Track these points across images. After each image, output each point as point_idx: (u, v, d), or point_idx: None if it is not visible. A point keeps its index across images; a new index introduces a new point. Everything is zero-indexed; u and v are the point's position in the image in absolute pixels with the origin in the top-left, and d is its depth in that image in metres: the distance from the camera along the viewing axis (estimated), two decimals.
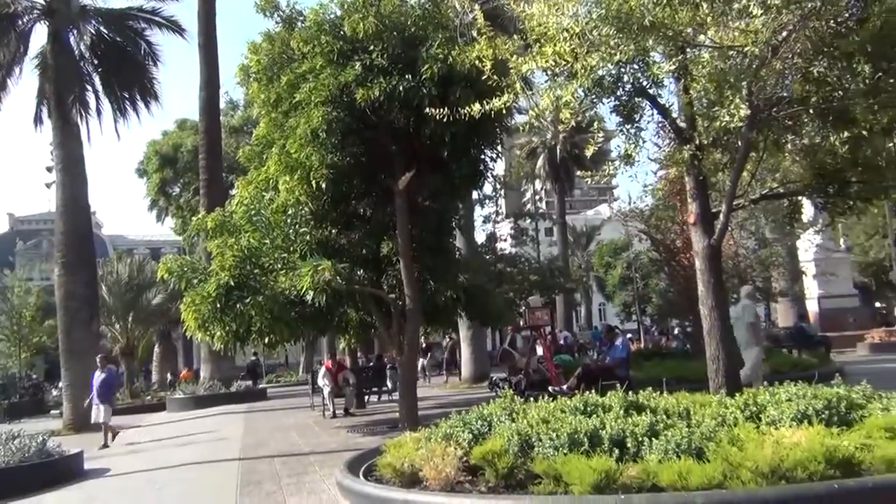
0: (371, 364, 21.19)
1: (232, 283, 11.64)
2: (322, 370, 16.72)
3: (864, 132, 7.99)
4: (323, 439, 11.58)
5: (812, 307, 28.35)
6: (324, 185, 11.18)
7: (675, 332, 27.16)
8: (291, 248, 12.49)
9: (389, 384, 17.88)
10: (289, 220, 12.69)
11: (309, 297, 10.90)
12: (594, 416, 6.30)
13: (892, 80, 7.25)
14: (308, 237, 12.51)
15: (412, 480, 6.22)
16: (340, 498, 6.67)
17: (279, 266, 12.24)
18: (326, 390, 15.85)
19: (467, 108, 8.18)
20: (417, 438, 6.99)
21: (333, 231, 12.90)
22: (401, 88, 10.62)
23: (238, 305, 11.55)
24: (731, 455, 5.02)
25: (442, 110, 8.77)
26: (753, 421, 6.03)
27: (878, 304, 45.02)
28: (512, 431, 6.06)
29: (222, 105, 31.35)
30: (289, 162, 11.27)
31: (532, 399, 7.78)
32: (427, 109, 9.35)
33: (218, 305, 11.64)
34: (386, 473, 6.54)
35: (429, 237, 13.01)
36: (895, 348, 23.19)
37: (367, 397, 17.84)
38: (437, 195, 12.82)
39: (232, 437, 13.19)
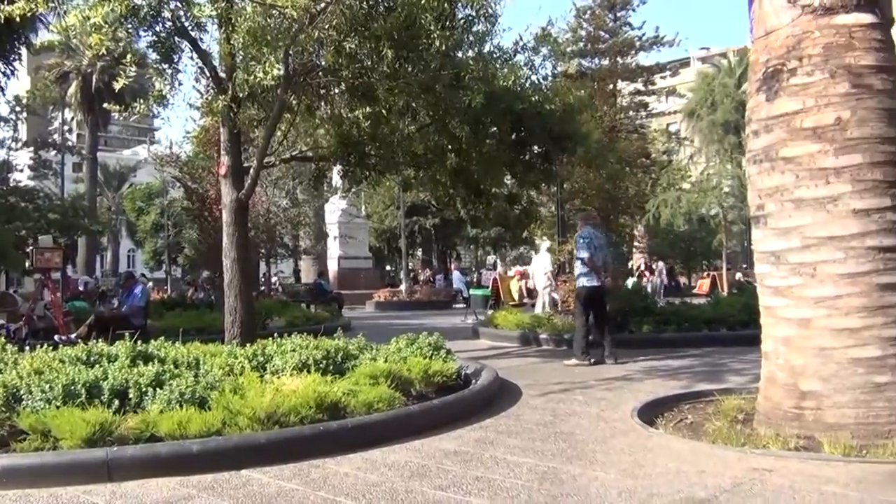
0: None
1: None
2: None
3: (385, 111, 8.86)
4: None
5: (332, 266, 30.65)
6: None
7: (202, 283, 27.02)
8: None
9: None
10: None
11: None
12: (97, 366, 5.93)
13: (410, 68, 8.12)
14: None
15: None
16: None
17: None
18: None
19: None
20: None
21: None
22: None
23: None
24: (232, 403, 5.17)
25: None
26: (259, 370, 6.31)
27: (388, 267, 50.80)
28: None
29: None
30: None
31: (30, 348, 7.02)
32: None
33: None
34: None
35: None
36: (396, 306, 26.41)
37: None
38: None
39: None
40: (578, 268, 9.67)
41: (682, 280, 37.34)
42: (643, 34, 31.19)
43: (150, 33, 7.79)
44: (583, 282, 9.56)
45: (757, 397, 5.49)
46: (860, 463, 4.44)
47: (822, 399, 4.88)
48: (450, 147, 9.84)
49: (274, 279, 29.48)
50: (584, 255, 9.46)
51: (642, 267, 29.93)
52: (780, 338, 5.20)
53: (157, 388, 5.42)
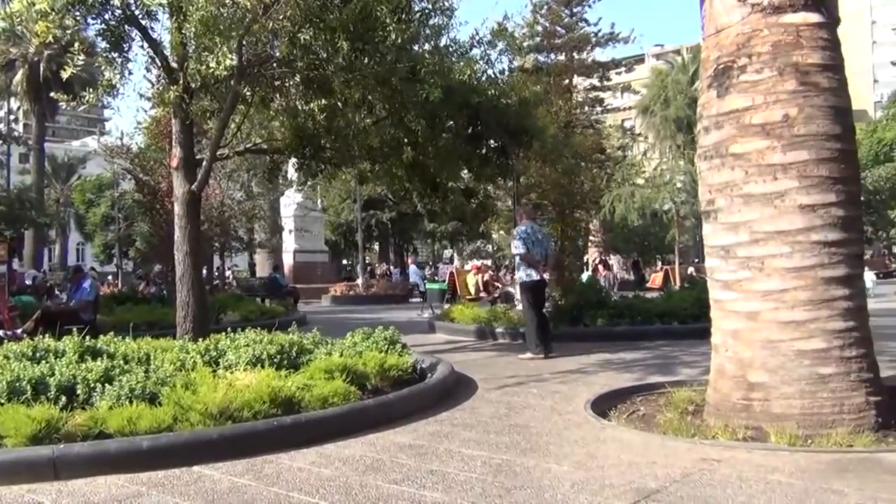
0: None
1: None
2: None
3: (340, 104, 8.79)
4: None
5: (287, 260, 30.37)
6: None
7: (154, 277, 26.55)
8: None
9: None
10: None
11: None
12: (44, 362, 5.79)
13: (365, 60, 8.06)
14: None
15: None
16: None
17: None
18: None
19: None
20: None
21: None
22: None
23: None
24: (184, 398, 5.09)
25: None
26: (212, 365, 6.22)
27: (344, 261, 50.57)
28: None
29: None
30: None
31: None
32: None
33: None
34: None
35: None
36: (352, 300, 26.30)
37: None
38: None
39: None
40: (518, 262, 9.81)
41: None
42: (599, 30, 31.51)
43: (99, 21, 7.63)
44: (523, 276, 9.66)
45: (707, 389, 5.58)
46: (805, 452, 4.55)
47: (770, 390, 4.98)
48: (406, 140, 9.81)
49: (228, 273, 29.13)
50: (521, 251, 9.56)
51: (596, 261, 30.25)
52: (729, 331, 5.30)
53: (107, 384, 5.31)
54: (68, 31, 7.70)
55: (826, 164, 4.98)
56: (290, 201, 31.08)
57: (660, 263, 39.37)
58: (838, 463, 4.34)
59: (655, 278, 31.43)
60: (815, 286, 4.92)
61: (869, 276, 21.54)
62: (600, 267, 29.13)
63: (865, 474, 4.09)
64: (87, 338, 6.61)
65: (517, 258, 9.81)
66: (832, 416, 4.80)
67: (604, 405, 6.07)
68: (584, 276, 14.72)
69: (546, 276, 9.99)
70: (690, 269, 29.59)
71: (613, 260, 31.46)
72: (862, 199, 5.73)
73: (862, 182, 8.27)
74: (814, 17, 5.11)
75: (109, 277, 39.14)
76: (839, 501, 3.69)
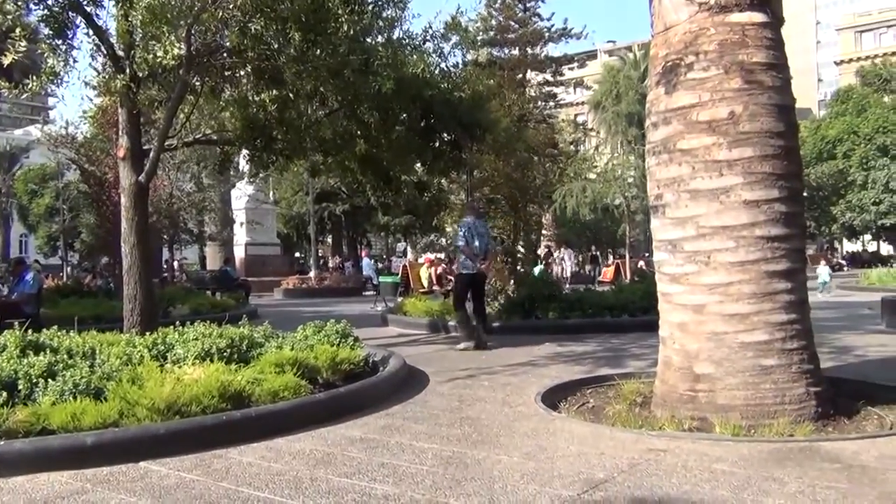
0: None
1: None
2: None
3: (292, 95, 8.70)
4: None
5: (239, 253, 29.99)
6: None
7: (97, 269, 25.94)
8: None
9: None
10: None
11: None
12: None
13: (318, 52, 7.99)
14: None
15: None
16: None
17: None
18: None
19: None
20: None
21: None
22: None
23: None
24: (130, 393, 5.00)
25: None
26: (159, 360, 6.12)
27: (297, 254, 50.11)
28: None
29: None
30: None
31: None
32: None
33: None
34: None
35: None
36: (305, 294, 26.11)
37: None
38: None
39: None
40: (459, 255, 10.12)
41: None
42: (552, 26, 31.76)
43: (42, 7, 7.42)
44: (461, 269, 10.07)
45: (655, 381, 5.68)
46: (748, 442, 4.67)
47: (715, 382, 5.10)
48: (359, 133, 9.75)
49: (175, 265, 28.65)
50: (461, 243, 9.85)
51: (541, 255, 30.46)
52: (675, 323, 5.40)
53: (50, 380, 5.19)
54: (9, 17, 7.44)
55: (770, 161, 5.10)
56: (241, 193, 30.68)
57: (611, 257, 39.86)
58: (779, 452, 4.46)
59: (607, 272, 31.79)
60: (759, 280, 5.05)
61: (825, 271, 22.06)
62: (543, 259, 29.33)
63: (805, 462, 4.22)
64: (30, 332, 6.45)
65: (459, 249, 10.06)
66: (774, 407, 4.93)
67: (554, 397, 6.14)
68: (537, 270, 14.86)
69: (484, 267, 10.14)
70: (640, 263, 29.99)
71: (566, 254, 31.69)
72: (805, 195, 5.89)
73: (805, 178, 8.49)
74: (759, 17, 5.22)
75: (64, 274, 38.07)
76: (779, 489, 3.79)
